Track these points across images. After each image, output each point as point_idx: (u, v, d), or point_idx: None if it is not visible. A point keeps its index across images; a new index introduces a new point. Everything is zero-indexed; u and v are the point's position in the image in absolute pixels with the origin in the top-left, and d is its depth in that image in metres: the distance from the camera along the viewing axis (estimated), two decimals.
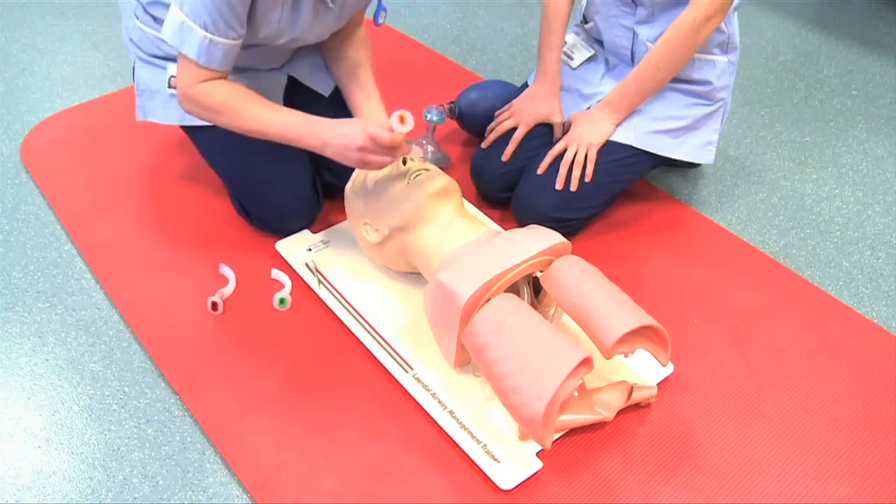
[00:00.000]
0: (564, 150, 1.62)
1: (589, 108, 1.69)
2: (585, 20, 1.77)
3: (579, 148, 1.60)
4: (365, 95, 1.59)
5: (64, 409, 1.37)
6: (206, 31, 1.32)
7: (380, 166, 1.39)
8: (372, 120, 1.55)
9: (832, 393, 1.41)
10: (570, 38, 1.79)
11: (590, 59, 1.76)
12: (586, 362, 1.19)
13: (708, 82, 1.63)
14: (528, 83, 1.79)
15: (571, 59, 1.77)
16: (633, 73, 1.59)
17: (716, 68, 1.63)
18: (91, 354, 1.46)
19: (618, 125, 1.62)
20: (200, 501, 1.24)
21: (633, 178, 1.69)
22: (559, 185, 1.59)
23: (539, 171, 1.61)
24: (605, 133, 1.61)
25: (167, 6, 1.49)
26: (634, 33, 1.63)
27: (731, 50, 1.65)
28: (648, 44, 1.61)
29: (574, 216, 1.64)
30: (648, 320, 1.28)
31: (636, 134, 1.62)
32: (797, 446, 1.33)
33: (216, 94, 1.40)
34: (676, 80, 1.62)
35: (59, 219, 1.72)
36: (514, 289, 1.37)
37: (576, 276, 1.31)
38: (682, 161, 1.93)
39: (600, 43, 1.76)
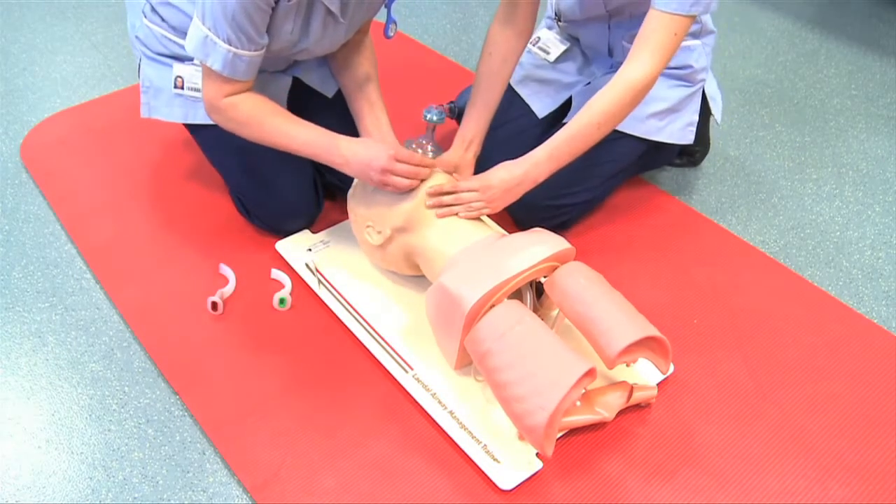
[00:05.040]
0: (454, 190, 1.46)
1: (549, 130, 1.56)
2: (558, 17, 1.75)
3: (483, 200, 1.43)
4: (371, 108, 1.59)
5: (64, 409, 1.37)
6: (230, 45, 1.33)
7: (400, 188, 1.40)
8: (377, 135, 1.57)
9: (832, 393, 1.41)
10: (544, 32, 1.78)
11: (566, 52, 1.76)
12: (590, 373, 1.19)
13: (688, 66, 1.63)
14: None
15: (548, 53, 1.76)
16: (568, 129, 1.43)
17: (693, 52, 1.63)
18: (91, 354, 1.45)
19: (529, 189, 1.47)
20: (200, 501, 1.24)
21: (621, 158, 1.66)
22: (440, 215, 1.43)
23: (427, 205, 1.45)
24: (512, 200, 1.46)
25: (176, 7, 1.51)
26: (609, 28, 1.62)
27: (704, 34, 1.65)
28: (625, 43, 1.60)
29: (568, 202, 1.63)
30: (651, 331, 1.28)
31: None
32: (797, 446, 1.33)
33: (242, 108, 1.41)
34: None
35: (59, 219, 1.72)
36: (516, 292, 1.36)
37: (580, 283, 1.31)
38: (680, 161, 1.93)
39: (577, 39, 1.75)
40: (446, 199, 1.43)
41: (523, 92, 1.77)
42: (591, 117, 1.42)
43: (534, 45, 1.78)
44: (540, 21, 1.83)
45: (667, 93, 1.64)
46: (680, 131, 1.68)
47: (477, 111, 1.58)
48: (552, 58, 1.75)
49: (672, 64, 1.61)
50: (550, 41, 1.77)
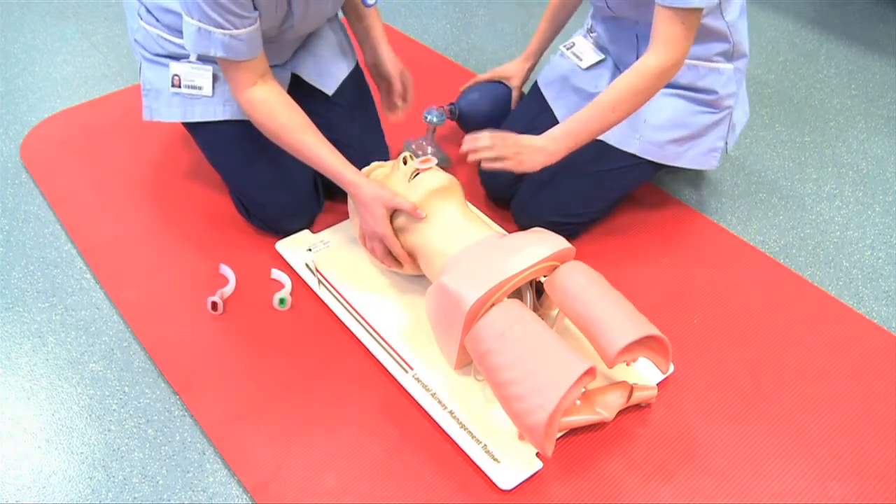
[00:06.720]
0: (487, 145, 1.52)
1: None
2: (592, 29, 1.76)
3: (509, 157, 1.49)
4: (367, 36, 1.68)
5: (64, 409, 1.37)
6: (222, 28, 1.35)
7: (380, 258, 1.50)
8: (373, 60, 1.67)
9: (832, 393, 1.41)
10: (579, 39, 1.78)
11: (599, 62, 1.75)
12: (590, 372, 1.19)
13: (713, 91, 1.60)
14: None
15: (581, 59, 1.76)
16: (584, 110, 1.49)
17: (721, 76, 1.59)
18: (91, 354, 1.46)
19: (548, 163, 1.52)
20: (200, 501, 1.24)
21: (633, 184, 1.68)
22: (486, 166, 1.51)
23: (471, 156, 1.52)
24: (535, 166, 1.50)
25: (168, 7, 1.51)
26: (637, 38, 1.62)
27: (737, 57, 1.61)
28: None
29: (573, 220, 1.63)
30: (651, 330, 1.28)
31: (640, 143, 1.60)
32: (797, 446, 1.33)
33: (259, 112, 1.45)
34: (681, 87, 1.60)
35: (59, 219, 1.72)
36: (516, 291, 1.36)
37: (580, 283, 1.31)
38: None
39: (608, 51, 1.75)
40: (480, 143, 1.50)
41: (548, 94, 1.76)
42: (606, 101, 1.47)
43: (568, 50, 1.78)
44: (578, 29, 1.84)
45: (688, 119, 1.61)
46: (702, 156, 1.66)
47: (543, 29, 1.81)
48: (584, 64, 1.74)
49: (698, 84, 1.59)
50: (585, 49, 1.76)
